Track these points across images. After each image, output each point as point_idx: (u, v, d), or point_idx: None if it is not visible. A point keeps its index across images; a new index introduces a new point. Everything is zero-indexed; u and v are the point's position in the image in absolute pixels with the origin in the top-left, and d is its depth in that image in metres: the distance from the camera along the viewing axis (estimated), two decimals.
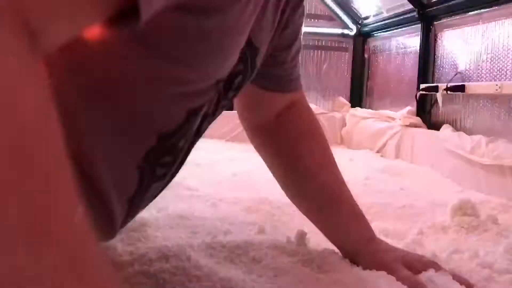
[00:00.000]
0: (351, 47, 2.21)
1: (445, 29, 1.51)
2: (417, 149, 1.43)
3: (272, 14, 0.48)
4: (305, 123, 0.65)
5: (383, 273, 0.53)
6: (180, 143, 0.43)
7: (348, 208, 0.61)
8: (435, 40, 1.56)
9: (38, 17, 0.20)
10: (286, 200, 0.68)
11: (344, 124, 2.06)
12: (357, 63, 2.20)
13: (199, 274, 0.49)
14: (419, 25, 1.61)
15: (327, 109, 2.19)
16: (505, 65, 1.22)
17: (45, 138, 0.19)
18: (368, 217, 0.76)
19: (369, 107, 2.07)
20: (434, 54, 1.56)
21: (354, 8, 2.15)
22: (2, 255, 0.16)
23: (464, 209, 0.83)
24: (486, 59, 1.29)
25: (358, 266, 0.56)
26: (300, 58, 0.64)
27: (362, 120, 1.90)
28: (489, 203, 0.97)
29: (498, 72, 1.25)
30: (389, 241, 0.66)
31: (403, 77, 1.82)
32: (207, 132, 1.29)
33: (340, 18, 2.17)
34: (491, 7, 1.27)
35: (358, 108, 2.06)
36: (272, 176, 0.67)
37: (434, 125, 1.50)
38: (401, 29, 1.82)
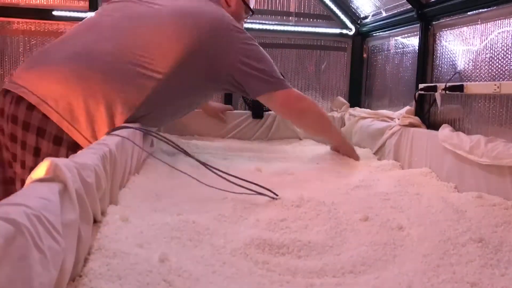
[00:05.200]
0: (349, 46, 2.21)
1: (444, 29, 1.51)
2: (415, 148, 1.43)
3: None
4: None
5: None
6: None
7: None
8: (434, 40, 1.56)
9: None
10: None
11: (343, 124, 2.06)
12: (356, 62, 2.20)
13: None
14: (418, 24, 1.61)
15: (326, 108, 2.20)
16: (504, 65, 1.22)
17: (324, 114, 1.53)
18: (366, 211, 0.77)
19: (368, 107, 2.07)
20: (433, 54, 1.56)
21: (353, 8, 2.15)
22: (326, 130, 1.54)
23: None
24: (485, 59, 1.29)
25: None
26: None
27: (361, 119, 1.90)
28: (487, 202, 0.98)
29: (497, 72, 1.25)
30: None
31: (401, 77, 1.82)
32: (207, 132, 1.32)
33: (338, 17, 2.17)
34: (490, 7, 1.27)
35: (357, 108, 2.06)
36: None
37: (433, 125, 1.50)
38: (399, 29, 1.83)
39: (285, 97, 1.36)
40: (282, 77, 1.36)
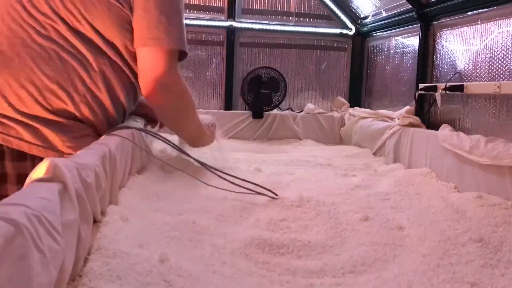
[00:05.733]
0: (350, 46, 2.21)
1: (444, 29, 1.51)
2: (415, 148, 1.43)
3: None
4: None
5: None
6: None
7: None
8: (434, 40, 1.56)
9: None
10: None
11: (343, 124, 2.06)
12: (356, 62, 2.20)
13: None
14: (418, 25, 1.61)
15: (326, 108, 2.20)
16: (504, 65, 1.22)
17: (190, 97, 1.06)
18: (366, 211, 0.77)
19: (368, 107, 2.07)
20: (433, 54, 1.56)
21: (353, 8, 2.15)
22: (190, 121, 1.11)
23: None
24: (485, 59, 1.29)
25: None
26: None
27: (361, 119, 1.90)
28: (487, 202, 0.98)
29: (497, 72, 1.25)
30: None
31: (402, 77, 1.82)
32: None
33: (339, 17, 2.17)
34: (490, 7, 1.27)
35: (357, 108, 2.06)
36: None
37: (433, 125, 1.50)
38: (400, 29, 1.83)
39: (171, 65, 0.96)
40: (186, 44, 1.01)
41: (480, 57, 1.32)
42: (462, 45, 1.41)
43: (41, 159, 0.84)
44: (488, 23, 1.29)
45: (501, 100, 1.22)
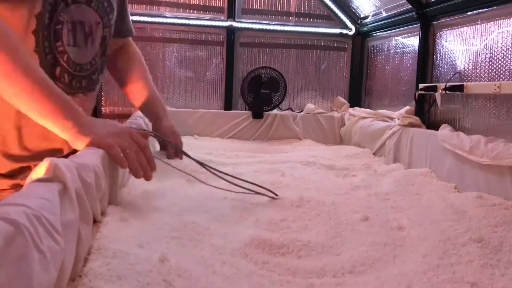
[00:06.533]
0: (350, 46, 2.21)
1: (444, 29, 1.51)
2: (415, 148, 1.43)
3: None
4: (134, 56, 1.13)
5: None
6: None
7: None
8: (434, 40, 1.56)
9: None
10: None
11: (343, 124, 2.06)
12: (356, 62, 2.20)
13: None
14: (418, 25, 1.61)
15: (326, 108, 2.20)
16: (504, 65, 1.22)
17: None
18: (366, 211, 0.77)
19: (368, 107, 2.07)
20: (433, 54, 1.56)
21: (353, 8, 2.15)
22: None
23: None
24: (485, 59, 1.29)
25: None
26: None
27: (361, 119, 1.90)
28: (487, 202, 0.98)
29: (496, 72, 1.25)
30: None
31: (401, 77, 1.82)
32: (207, 132, 1.31)
33: (339, 17, 2.17)
34: (490, 7, 1.27)
35: (357, 108, 2.06)
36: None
37: (433, 125, 1.50)
38: (399, 29, 1.83)
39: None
40: None
41: (480, 57, 1.32)
42: (462, 45, 1.41)
43: None
44: (488, 23, 1.29)
45: (501, 100, 1.22)
